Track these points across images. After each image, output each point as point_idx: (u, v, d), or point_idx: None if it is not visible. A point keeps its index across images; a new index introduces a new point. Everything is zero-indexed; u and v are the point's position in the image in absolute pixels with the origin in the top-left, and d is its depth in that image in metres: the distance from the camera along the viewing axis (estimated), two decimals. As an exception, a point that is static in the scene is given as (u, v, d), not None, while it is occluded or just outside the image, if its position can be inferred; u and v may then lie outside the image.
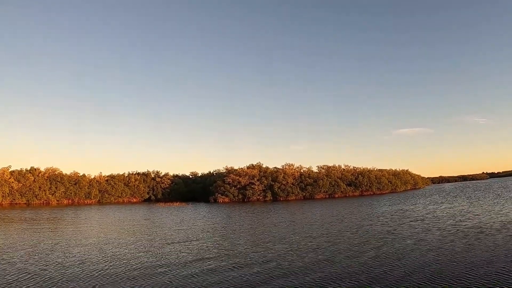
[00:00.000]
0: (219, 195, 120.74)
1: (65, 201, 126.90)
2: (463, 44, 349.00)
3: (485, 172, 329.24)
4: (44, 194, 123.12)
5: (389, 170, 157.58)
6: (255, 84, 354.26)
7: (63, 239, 34.61)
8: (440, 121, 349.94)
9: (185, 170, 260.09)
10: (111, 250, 27.88)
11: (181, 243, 30.98)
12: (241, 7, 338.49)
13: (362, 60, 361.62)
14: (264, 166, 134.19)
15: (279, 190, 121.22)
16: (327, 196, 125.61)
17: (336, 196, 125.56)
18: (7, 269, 21.46)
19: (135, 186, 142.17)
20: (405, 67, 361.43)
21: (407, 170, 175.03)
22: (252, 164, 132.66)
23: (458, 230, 32.57)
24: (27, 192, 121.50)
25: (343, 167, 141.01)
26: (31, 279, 19.14)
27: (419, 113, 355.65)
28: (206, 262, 22.99)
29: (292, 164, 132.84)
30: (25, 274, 20.08)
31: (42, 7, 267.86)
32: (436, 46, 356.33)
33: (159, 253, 26.33)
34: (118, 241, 33.21)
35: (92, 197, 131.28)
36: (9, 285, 18.01)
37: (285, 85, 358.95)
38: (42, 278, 19.33)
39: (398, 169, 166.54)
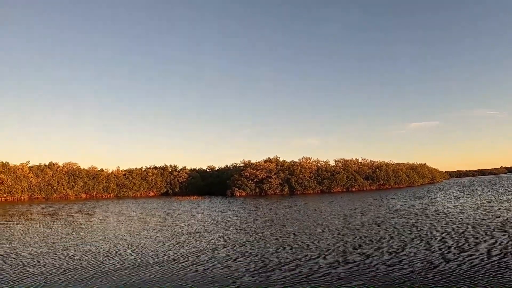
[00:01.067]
0: (236, 188, 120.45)
1: (83, 195, 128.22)
2: (476, 38, 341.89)
3: (503, 166, 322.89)
4: (62, 188, 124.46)
5: (406, 163, 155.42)
6: (271, 78, 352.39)
7: (88, 233, 34.44)
8: (455, 115, 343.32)
9: (202, 164, 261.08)
10: (138, 243, 27.52)
11: (205, 235, 30.60)
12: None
13: (377, 56, 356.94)
14: (281, 159, 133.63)
15: (296, 183, 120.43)
16: (344, 190, 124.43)
17: (353, 190, 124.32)
18: (39, 263, 21.11)
19: (153, 180, 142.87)
20: (419, 62, 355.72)
21: (424, 164, 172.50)
22: (269, 158, 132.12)
23: (480, 223, 31.71)
24: (46, 186, 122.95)
25: (360, 160, 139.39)
26: (64, 273, 18.80)
27: (434, 107, 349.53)
28: (232, 252, 22.82)
29: (309, 158, 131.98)
30: (57, 269, 19.68)
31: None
32: (448, 40, 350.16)
33: (185, 245, 25.94)
34: (143, 233, 32.92)
35: (110, 191, 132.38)
36: (45, 281, 17.67)
37: (302, 79, 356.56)
38: (75, 273, 18.99)
39: (415, 163, 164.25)
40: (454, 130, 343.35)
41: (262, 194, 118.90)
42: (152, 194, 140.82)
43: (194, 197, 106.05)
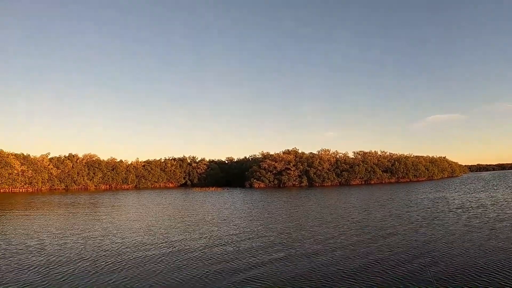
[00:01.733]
0: (254, 180, 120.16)
1: (103, 187, 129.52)
2: (501, 32, 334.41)
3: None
4: (82, 179, 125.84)
5: (425, 157, 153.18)
6: (290, 71, 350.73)
7: (114, 224, 34.20)
8: (475, 108, 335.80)
9: (221, 155, 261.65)
10: (163, 234, 27.12)
11: (229, 225, 30.16)
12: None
13: (397, 47, 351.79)
14: (299, 151, 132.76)
15: (314, 175, 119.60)
16: (362, 182, 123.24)
17: (372, 182, 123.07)
18: (68, 255, 20.75)
19: (171, 171, 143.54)
20: (439, 53, 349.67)
21: (444, 157, 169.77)
22: (288, 150, 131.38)
23: (502, 218, 30.62)
24: (66, 178, 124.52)
25: (379, 153, 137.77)
26: (92, 265, 18.48)
27: (455, 99, 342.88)
28: (257, 243, 22.61)
29: (328, 150, 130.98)
30: (84, 261, 19.32)
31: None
32: (467, 33, 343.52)
33: (210, 236, 25.53)
34: (167, 224, 32.55)
35: (129, 182, 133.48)
36: (73, 273, 17.38)
37: (321, 72, 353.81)
38: (101, 263, 18.67)
39: (435, 156, 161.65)
40: (475, 123, 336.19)
41: (281, 186, 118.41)
42: (171, 185, 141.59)
43: (213, 189, 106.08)
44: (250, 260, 18.41)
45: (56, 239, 25.34)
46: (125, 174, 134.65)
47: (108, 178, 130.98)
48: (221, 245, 22.34)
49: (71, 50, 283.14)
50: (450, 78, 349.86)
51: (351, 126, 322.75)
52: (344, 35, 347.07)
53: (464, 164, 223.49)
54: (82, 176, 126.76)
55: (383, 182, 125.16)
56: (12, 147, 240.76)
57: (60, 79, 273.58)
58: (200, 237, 25.25)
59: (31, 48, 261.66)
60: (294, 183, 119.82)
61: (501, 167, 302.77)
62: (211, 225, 31.55)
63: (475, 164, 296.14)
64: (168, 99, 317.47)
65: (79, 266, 17.88)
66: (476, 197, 52.30)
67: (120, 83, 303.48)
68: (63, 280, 15.52)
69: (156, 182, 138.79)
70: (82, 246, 22.69)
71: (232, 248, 21.27)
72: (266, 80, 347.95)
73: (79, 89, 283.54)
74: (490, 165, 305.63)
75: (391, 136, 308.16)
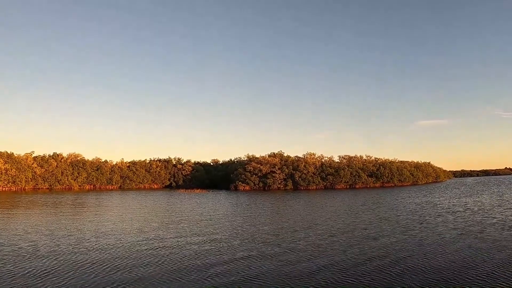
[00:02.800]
0: (240, 183, 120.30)
1: (87, 187, 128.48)
2: (485, 37, 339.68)
3: (508, 167, 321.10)
4: (66, 179, 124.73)
5: (410, 162, 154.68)
6: (278, 73, 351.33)
7: (103, 224, 34.70)
8: (461, 114, 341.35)
9: (206, 157, 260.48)
10: (153, 235, 27.90)
11: (219, 229, 30.91)
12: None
13: (385, 53, 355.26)
14: (285, 154, 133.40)
15: (300, 179, 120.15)
16: (347, 186, 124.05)
17: (357, 186, 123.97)
18: (58, 256, 21.13)
19: (156, 172, 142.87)
20: (427, 60, 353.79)
21: (429, 163, 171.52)
22: (274, 153, 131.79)
23: (488, 223, 31.61)
24: (50, 177, 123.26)
25: (364, 157, 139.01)
26: (87, 267, 19.22)
27: (439, 105, 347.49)
28: (251, 246, 23.18)
29: (313, 153, 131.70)
30: (74, 263, 20.05)
31: None
32: (456, 39, 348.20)
33: (188, 234, 26.07)
34: (155, 226, 33.16)
35: (114, 183, 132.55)
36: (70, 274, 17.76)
37: (309, 75, 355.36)
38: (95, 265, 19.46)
39: (420, 161, 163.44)
40: (460, 129, 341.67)
41: (266, 188, 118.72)
42: (155, 186, 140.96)
43: (198, 190, 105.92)
44: (225, 257, 19.12)
45: (48, 240, 25.94)
46: (109, 174, 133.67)
47: (93, 178, 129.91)
48: (197, 244, 22.89)
49: (71, 50, 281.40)
50: (438, 84, 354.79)
51: (337, 130, 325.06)
52: (344, 35, 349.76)
53: (448, 170, 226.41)
54: (67, 175, 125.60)
55: (368, 186, 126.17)
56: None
57: (46, 77, 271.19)
58: (178, 236, 25.77)
59: (31, 48, 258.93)
60: (279, 186, 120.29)
61: (485, 173, 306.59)
62: (192, 225, 31.98)
63: (459, 169, 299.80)
64: (154, 99, 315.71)
65: (73, 267, 18.75)
66: (460, 202, 53.34)
67: (107, 83, 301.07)
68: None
69: (141, 183, 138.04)
70: (74, 248, 22.95)
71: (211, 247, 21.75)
72: (253, 83, 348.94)
73: (67, 88, 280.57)
74: (474, 171, 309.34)
75: (378, 141, 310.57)
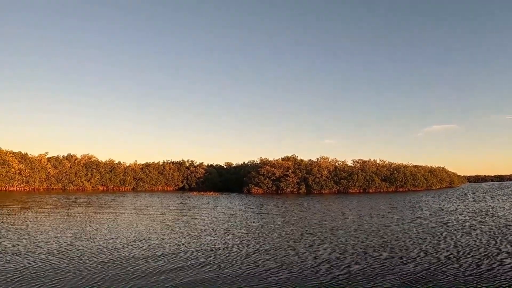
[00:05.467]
0: (253, 186, 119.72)
1: (100, 188, 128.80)
2: (496, 43, 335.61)
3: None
4: (79, 180, 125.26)
5: (424, 166, 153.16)
6: (291, 79, 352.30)
7: (118, 225, 34.36)
8: (474, 119, 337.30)
9: (219, 160, 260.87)
10: (173, 240, 27.30)
11: (232, 232, 30.17)
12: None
13: (396, 59, 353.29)
14: (298, 158, 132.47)
15: (313, 183, 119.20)
16: (361, 190, 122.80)
17: (371, 191, 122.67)
18: (82, 256, 20.90)
19: (169, 174, 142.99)
20: (438, 65, 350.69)
21: (443, 168, 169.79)
22: (287, 156, 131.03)
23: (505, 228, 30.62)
24: (63, 178, 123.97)
25: (378, 161, 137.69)
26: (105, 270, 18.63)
27: (454, 110, 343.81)
28: (266, 247, 22.47)
29: (326, 157, 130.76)
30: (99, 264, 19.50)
31: None
32: (467, 44, 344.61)
33: (204, 242, 25.53)
34: (172, 229, 32.72)
35: (127, 185, 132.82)
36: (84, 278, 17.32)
37: (322, 81, 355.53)
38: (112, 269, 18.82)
39: (433, 166, 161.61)
40: (473, 134, 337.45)
41: (279, 192, 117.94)
42: (168, 188, 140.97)
43: (211, 193, 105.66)
44: (243, 267, 18.42)
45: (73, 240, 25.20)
46: (123, 176, 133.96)
47: (106, 180, 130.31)
48: (221, 256, 22.52)
49: (71, 50, 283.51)
50: (449, 89, 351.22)
51: (350, 135, 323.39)
52: (343, 46, 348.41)
53: (462, 175, 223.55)
54: (80, 176, 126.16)
55: (382, 191, 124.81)
56: (11, 145, 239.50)
57: (60, 78, 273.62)
58: (205, 240, 25.52)
59: (32, 47, 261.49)
60: (292, 189, 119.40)
61: (500, 178, 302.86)
62: (211, 228, 31.69)
63: (474, 175, 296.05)
64: (169, 102, 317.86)
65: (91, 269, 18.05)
66: (475, 208, 52.31)
67: (120, 84, 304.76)
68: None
69: (154, 185, 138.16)
70: (95, 252, 22.74)
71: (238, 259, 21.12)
72: (268, 87, 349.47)
73: (80, 89, 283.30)
74: (488, 176, 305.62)
75: (391, 146, 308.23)
